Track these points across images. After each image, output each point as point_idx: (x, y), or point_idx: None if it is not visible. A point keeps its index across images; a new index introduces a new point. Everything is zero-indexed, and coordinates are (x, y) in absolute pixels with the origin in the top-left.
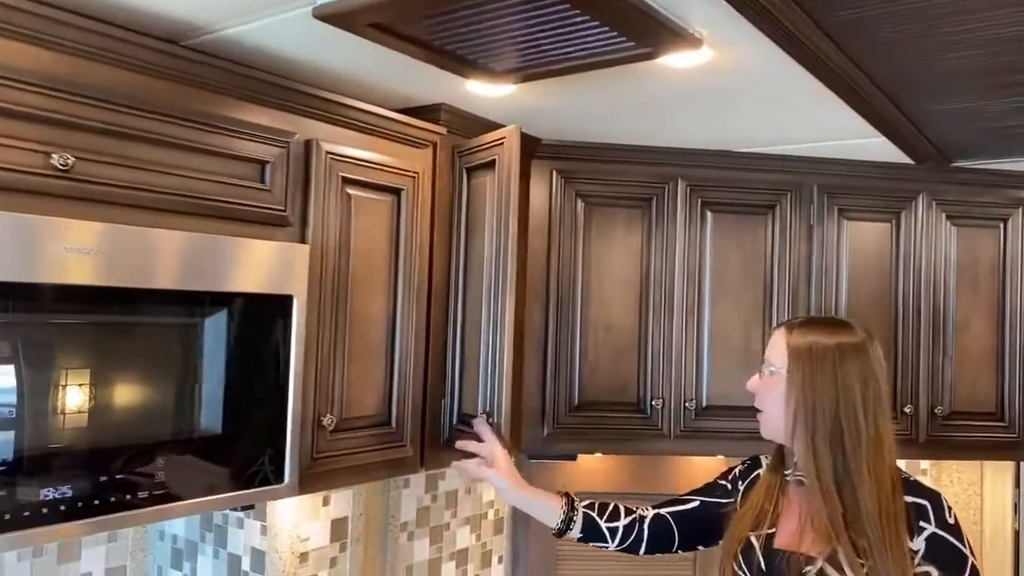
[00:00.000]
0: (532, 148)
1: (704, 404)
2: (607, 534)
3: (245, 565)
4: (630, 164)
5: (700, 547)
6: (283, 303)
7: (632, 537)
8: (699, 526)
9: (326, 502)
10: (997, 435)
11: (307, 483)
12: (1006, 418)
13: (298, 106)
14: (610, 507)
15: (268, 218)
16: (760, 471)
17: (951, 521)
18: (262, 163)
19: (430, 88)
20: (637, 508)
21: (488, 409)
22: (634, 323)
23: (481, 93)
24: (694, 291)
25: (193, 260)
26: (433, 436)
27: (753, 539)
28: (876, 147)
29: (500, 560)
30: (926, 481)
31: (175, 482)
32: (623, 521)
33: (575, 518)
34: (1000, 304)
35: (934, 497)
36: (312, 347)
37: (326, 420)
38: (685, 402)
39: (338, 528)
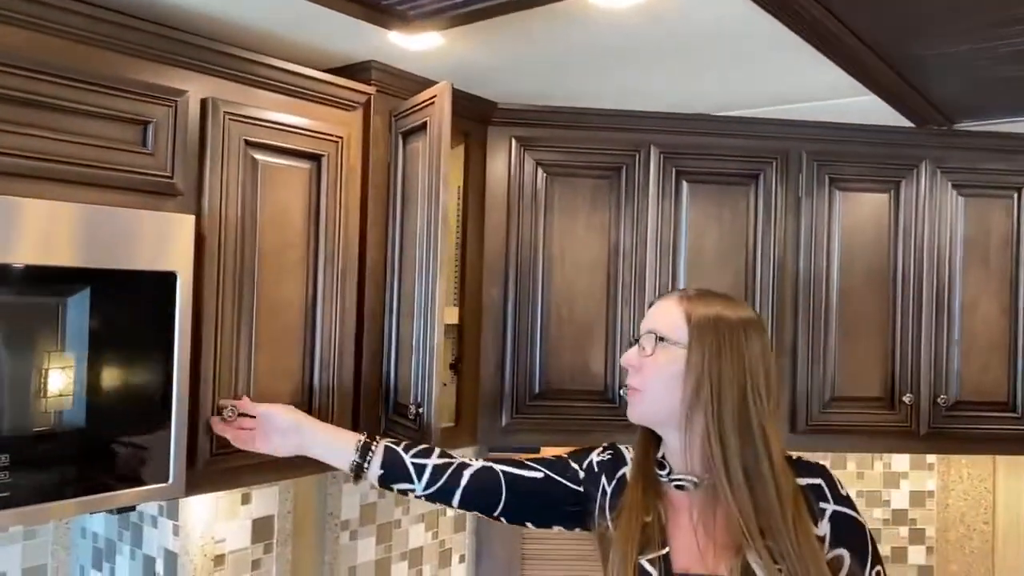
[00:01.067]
0: (488, 113)
1: None
2: (412, 472)
3: (159, 567)
4: (596, 129)
5: (529, 524)
6: (164, 281)
7: (443, 480)
8: (535, 501)
9: (246, 500)
10: (1009, 427)
11: (202, 482)
12: (1019, 409)
13: (194, 61)
14: (422, 446)
15: (153, 186)
16: (625, 470)
17: (843, 492)
18: (143, 123)
19: (354, 43)
20: (468, 456)
21: (419, 400)
22: (600, 304)
23: (409, 47)
24: (668, 270)
25: (57, 232)
26: (370, 429)
27: (647, 566)
28: (870, 108)
29: (462, 560)
30: (811, 458)
31: (24, 483)
32: (435, 459)
33: (373, 450)
34: (1013, 283)
35: (823, 472)
36: (211, 331)
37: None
38: None
39: (262, 528)
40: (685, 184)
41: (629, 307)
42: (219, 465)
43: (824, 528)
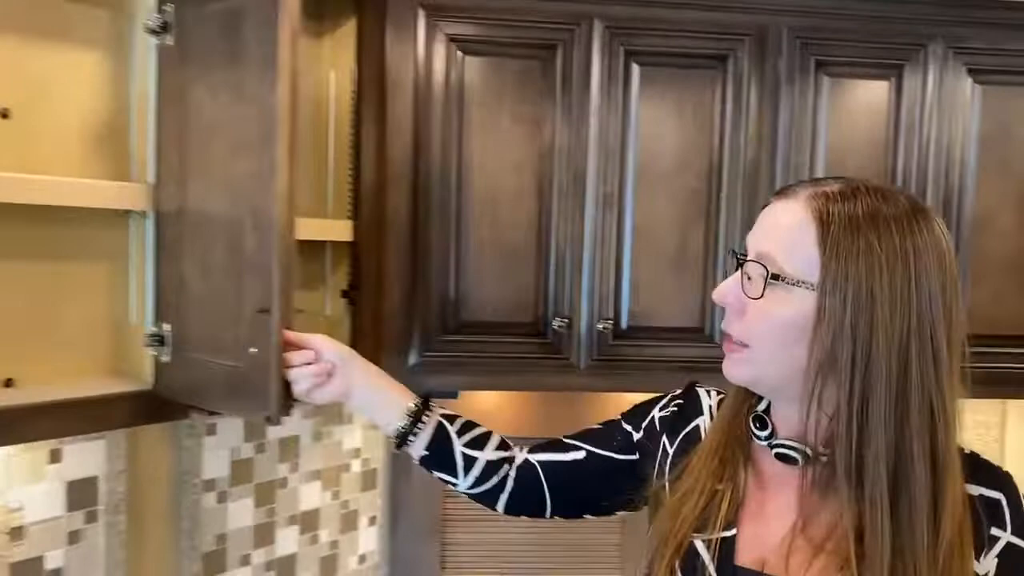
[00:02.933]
0: None
1: (625, 325)
2: (460, 463)
3: None
4: None
5: (588, 516)
6: None
7: (492, 482)
8: (580, 489)
9: (55, 457)
10: None
11: None
12: None
13: None
14: (480, 430)
15: None
16: (700, 421)
17: None
18: None
19: None
20: (520, 447)
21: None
22: (531, 217)
23: None
24: (614, 175)
25: None
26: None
27: (700, 546)
28: None
29: (372, 522)
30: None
31: None
32: (489, 453)
33: (424, 421)
34: None
35: (1007, 483)
36: None
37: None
38: (599, 322)
39: (81, 492)
40: (636, 67)
41: (567, 221)
42: None
43: (988, 566)
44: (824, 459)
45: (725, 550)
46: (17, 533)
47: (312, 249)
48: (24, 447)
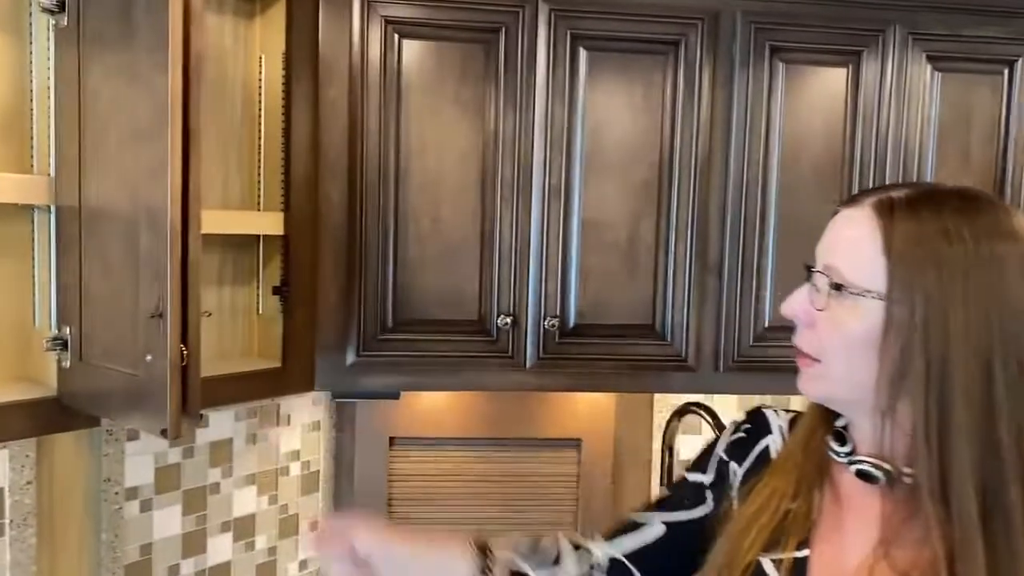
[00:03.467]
0: None
1: (572, 323)
2: None
3: None
4: None
5: None
6: None
7: None
8: (675, 560)
9: None
10: None
11: None
12: None
13: None
14: (548, 548)
15: None
16: (769, 440)
17: None
18: None
19: None
20: (583, 540)
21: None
22: (474, 208)
23: None
24: (559, 163)
25: None
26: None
27: (768, 566)
28: None
29: (314, 526)
30: None
31: None
32: (571, 569)
33: (492, 571)
34: (997, 182)
35: None
36: None
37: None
38: (545, 320)
39: None
40: (583, 52)
41: (511, 211)
42: None
43: None
44: (908, 479)
45: (797, 571)
46: None
47: (243, 243)
48: None
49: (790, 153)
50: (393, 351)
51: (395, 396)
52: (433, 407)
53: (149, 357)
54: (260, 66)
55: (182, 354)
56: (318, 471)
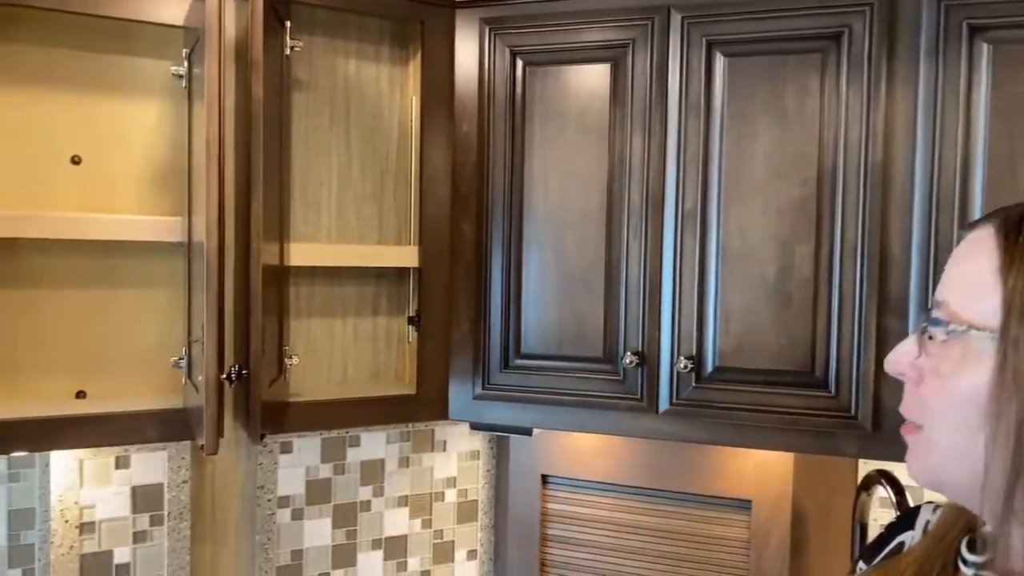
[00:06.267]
0: None
1: (711, 366)
2: None
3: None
4: None
5: None
6: None
7: None
8: None
9: (122, 464)
10: None
11: None
12: None
13: None
14: None
15: None
16: (908, 536)
17: None
18: None
19: None
20: None
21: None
22: (597, 237)
23: None
24: (695, 185)
25: None
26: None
27: None
28: None
29: (472, 556)
30: None
31: None
32: None
33: None
34: None
35: None
36: None
37: None
38: (678, 360)
39: (147, 499)
40: (721, 58)
41: (639, 242)
42: None
43: None
44: None
45: None
46: (88, 528)
47: (397, 276)
48: (93, 452)
49: (1000, 159)
50: (514, 385)
51: (527, 432)
52: (587, 448)
53: (200, 378)
54: (411, 108)
55: (229, 379)
56: (476, 501)
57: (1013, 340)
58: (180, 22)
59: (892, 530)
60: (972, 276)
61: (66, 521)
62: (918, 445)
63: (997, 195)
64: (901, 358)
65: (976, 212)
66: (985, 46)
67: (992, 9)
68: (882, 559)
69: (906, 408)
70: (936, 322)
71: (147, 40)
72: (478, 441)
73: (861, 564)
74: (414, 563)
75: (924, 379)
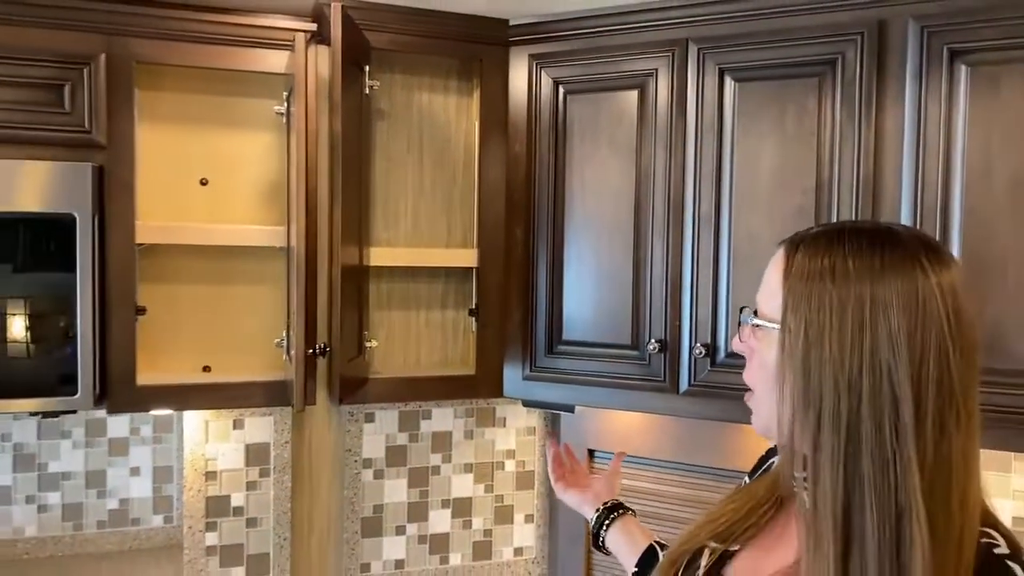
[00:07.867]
0: (502, 33)
1: (723, 352)
2: None
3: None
4: (617, 33)
5: None
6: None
7: None
8: None
9: (239, 425)
10: None
11: (119, 400)
12: None
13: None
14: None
15: (71, 141)
16: (775, 460)
17: None
18: (58, 86)
19: None
20: None
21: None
22: (626, 241)
23: None
24: (710, 195)
25: None
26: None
27: (705, 552)
28: None
29: (529, 519)
30: None
31: None
32: None
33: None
34: None
35: None
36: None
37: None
38: (693, 347)
39: (256, 454)
40: (731, 83)
41: (662, 243)
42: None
43: None
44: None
45: (720, 563)
46: (212, 476)
47: (462, 275)
48: (216, 415)
49: (977, 172)
50: (555, 368)
51: (570, 410)
52: (629, 426)
53: (293, 351)
54: (474, 132)
55: (315, 353)
56: (533, 471)
57: (787, 328)
58: (281, 70)
59: (769, 453)
60: (770, 283)
61: (195, 469)
62: (751, 406)
63: (974, 200)
64: (734, 341)
65: (956, 216)
66: (964, 68)
67: (971, 34)
68: (757, 477)
69: (745, 378)
70: (748, 317)
71: (257, 85)
72: (534, 419)
73: (746, 479)
74: (478, 522)
75: (752, 357)
